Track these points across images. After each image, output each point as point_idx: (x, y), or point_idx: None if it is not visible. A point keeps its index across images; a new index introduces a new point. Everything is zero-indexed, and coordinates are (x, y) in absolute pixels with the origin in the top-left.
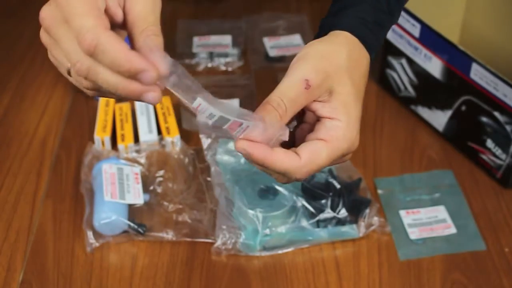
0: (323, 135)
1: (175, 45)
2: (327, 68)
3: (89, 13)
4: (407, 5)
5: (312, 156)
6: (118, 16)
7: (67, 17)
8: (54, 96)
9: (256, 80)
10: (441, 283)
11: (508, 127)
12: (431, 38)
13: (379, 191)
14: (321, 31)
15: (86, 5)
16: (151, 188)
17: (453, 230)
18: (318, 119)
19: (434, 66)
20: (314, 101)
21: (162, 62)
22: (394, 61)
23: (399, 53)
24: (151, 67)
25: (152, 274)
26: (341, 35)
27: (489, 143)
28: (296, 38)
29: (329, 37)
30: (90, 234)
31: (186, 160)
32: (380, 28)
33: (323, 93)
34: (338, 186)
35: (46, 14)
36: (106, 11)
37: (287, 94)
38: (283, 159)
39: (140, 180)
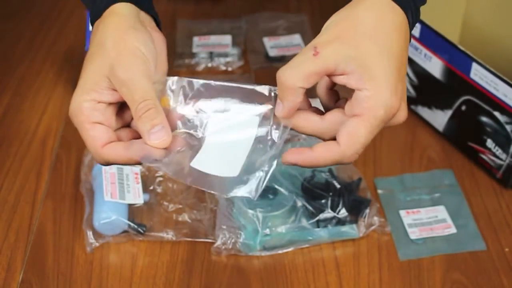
0: (356, 110)
1: (175, 45)
2: (339, 33)
3: (91, 143)
4: None
5: (350, 139)
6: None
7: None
8: (54, 96)
9: (256, 80)
10: (441, 283)
11: (508, 127)
12: (431, 38)
13: (379, 191)
14: None
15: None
16: (151, 188)
17: (453, 230)
18: (351, 94)
19: (434, 66)
20: (338, 75)
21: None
22: None
23: None
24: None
25: (152, 274)
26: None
27: (489, 143)
28: (296, 38)
29: (355, 2)
30: (90, 234)
31: None
32: None
33: (340, 61)
34: (338, 186)
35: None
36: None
37: (295, 61)
38: (325, 155)
39: (140, 180)
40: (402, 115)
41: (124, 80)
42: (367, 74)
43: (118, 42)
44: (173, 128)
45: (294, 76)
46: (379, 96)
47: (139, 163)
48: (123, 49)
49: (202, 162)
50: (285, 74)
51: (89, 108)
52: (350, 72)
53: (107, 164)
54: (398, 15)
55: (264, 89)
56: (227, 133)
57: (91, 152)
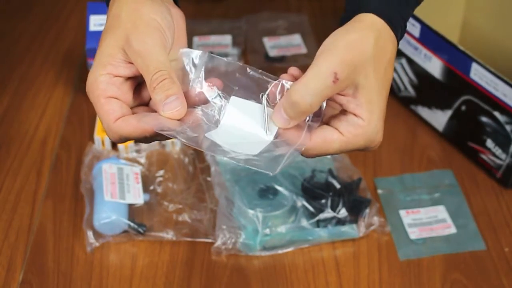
0: (342, 128)
1: None
2: (355, 59)
3: (105, 117)
4: None
5: (323, 144)
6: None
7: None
8: (54, 96)
9: None
10: (441, 283)
11: (508, 127)
12: (431, 38)
13: (379, 191)
14: (346, 15)
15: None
16: (151, 188)
17: (453, 230)
18: (343, 111)
19: (434, 66)
20: (339, 94)
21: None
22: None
23: (399, 53)
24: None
25: (152, 274)
26: (368, 19)
27: (489, 143)
28: (296, 38)
29: (355, 23)
30: (90, 234)
31: (186, 160)
32: (407, 6)
33: (349, 86)
34: (338, 186)
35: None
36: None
37: (314, 88)
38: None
39: (140, 180)
40: (379, 142)
41: (139, 51)
42: (369, 105)
43: (133, 13)
44: (190, 104)
45: (314, 104)
46: (368, 129)
47: (153, 137)
48: (138, 19)
49: (218, 136)
50: (305, 101)
51: (104, 82)
52: (355, 97)
53: (121, 140)
54: (394, 45)
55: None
56: (246, 118)
57: (104, 128)
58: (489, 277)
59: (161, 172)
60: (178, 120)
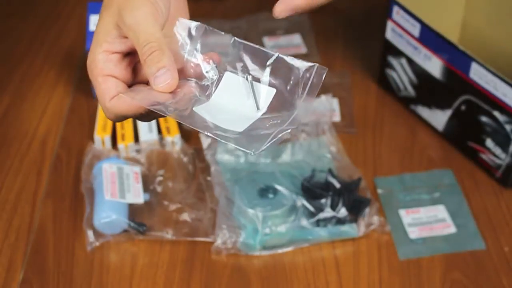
0: None
1: None
2: None
3: (101, 96)
4: (407, 5)
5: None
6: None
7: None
8: (54, 96)
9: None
10: (440, 283)
11: (507, 127)
12: (431, 38)
13: (379, 191)
14: None
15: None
16: (151, 187)
17: (452, 229)
18: None
19: (434, 65)
20: None
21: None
22: (394, 61)
23: (399, 53)
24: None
25: (152, 274)
26: None
27: (489, 143)
28: (296, 38)
29: None
30: (90, 233)
31: (186, 159)
32: None
33: None
34: (338, 185)
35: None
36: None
37: None
38: None
39: (140, 180)
40: None
41: (130, 24)
42: None
43: None
44: (185, 75)
45: None
46: None
47: (149, 114)
48: None
49: (206, 111)
50: None
51: (102, 60)
52: None
53: (117, 118)
54: None
55: (294, 61)
56: (238, 95)
57: (101, 107)
58: (489, 277)
59: (161, 172)
60: (170, 92)
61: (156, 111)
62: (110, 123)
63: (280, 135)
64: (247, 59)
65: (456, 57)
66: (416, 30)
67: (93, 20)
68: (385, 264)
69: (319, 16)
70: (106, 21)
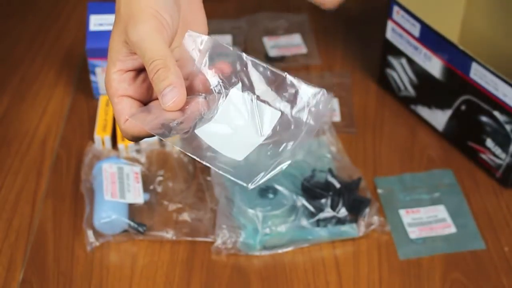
0: None
1: None
2: None
3: (117, 118)
4: (407, 5)
5: None
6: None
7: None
8: (54, 96)
9: None
10: (440, 282)
11: (507, 127)
12: (431, 38)
13: (379, 191)
14: None
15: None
16: (151, 187)
17: (452, 229)
18: None
19: (434, 65)
20: None
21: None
22: (394, 61)
23: (399, 53)
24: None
25: (152, 273)
26: None
27: (489, 143)
28: (296, 38)
29: None
30: (90, 233)
31: (186, 159)
32: None
33: None
34: (338, 185)
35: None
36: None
37: None
38: None
39: (140, 180)
40: None
41: (135, 42)
42: None
43: (129, 4)
44: (194, 90)
45: None
46: None
47: (165, 132)
48: (134, 9)
49: (207, 133)
50: None
51: (116, 80)
52: None
53: (134, 139)
54: None
55: (302, 85)
56: (241, 115)
57: (119, 127)
58: (489, 277)
59: (161, 172)
60: (180, 109)
61: (159, 136)
62: (110, 123)
63: (278, 168)
64: (254, 77)
65: (456, 57)
66: (416, 30)
67: (93, 20)
68: (385, 264)
69: (319, 16)
70: (115, 39)
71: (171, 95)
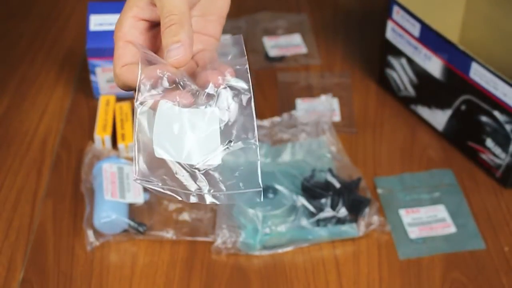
0: None
1: None
2: None
3: (115, 61)
4: (407, 5)
5: None
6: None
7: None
8: (54, 96)
9: (256, 80)
10: (440, 282)
11: (507, 127)
12: (431, 38)
13: (379, 190)
14: None
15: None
16: None
17: (452, 229)
18: None
19: (434, 65)
20: None
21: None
22: (394, 61)
23: (399, 53)
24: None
25: (152, 273)
26: None
27: (489, 143)
28: (296, 38)
29: None
30: (90, 233)
31: None
32: None
33: None
34: (338, 185)
35: None
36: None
37: None
38: None
39: None
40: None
41: None
42: None
43: None
44: (200, 79)
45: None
46: None
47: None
48: None
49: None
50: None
51: (128, 25)
52: None
53: (124, 87)
54: None
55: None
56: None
57: (113, 72)
58: (489, 276)
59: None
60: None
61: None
62: (110, 123)
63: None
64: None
65: (456, 57)
66: (416, 30)
67: (93, 20)
68: (385, 264)
69: (319, 16)
70: None
71: (176, 52)
